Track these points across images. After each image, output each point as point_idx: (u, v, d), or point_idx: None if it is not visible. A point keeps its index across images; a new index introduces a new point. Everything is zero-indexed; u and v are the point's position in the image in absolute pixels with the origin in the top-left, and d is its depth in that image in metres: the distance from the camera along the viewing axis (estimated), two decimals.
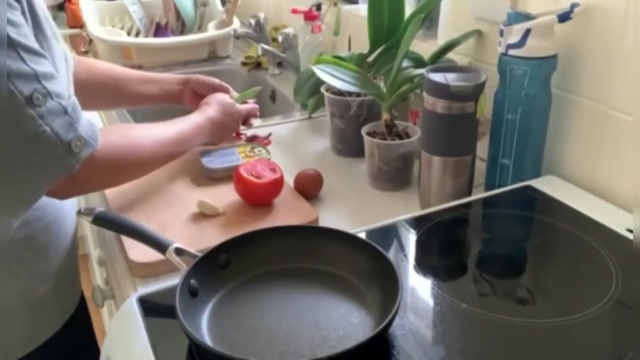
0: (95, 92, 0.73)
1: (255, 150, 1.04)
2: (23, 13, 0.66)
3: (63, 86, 0.69)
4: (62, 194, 0.75)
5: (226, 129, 1.05)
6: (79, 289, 0.92)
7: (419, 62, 1.03)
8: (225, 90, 1.10)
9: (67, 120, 0.67)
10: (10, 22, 0.62)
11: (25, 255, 0.77)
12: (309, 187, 0.94)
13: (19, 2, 0.65)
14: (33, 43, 0.66)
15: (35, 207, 0.73)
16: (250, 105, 1.13)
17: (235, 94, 1.12)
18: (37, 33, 0.68)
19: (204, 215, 0.85)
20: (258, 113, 1.16)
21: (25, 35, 0.64)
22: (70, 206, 0.85)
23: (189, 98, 1.10)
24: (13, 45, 0.62)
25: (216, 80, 1.11)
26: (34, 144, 0.65)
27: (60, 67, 0.71)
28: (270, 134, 1.18)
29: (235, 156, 1.01)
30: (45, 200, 0.73)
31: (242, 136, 1.15)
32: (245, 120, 1.12)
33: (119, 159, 0.78)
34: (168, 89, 1.10)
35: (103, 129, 0.76)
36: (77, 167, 0.69)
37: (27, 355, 0.79)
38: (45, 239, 0.79)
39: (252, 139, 1.15)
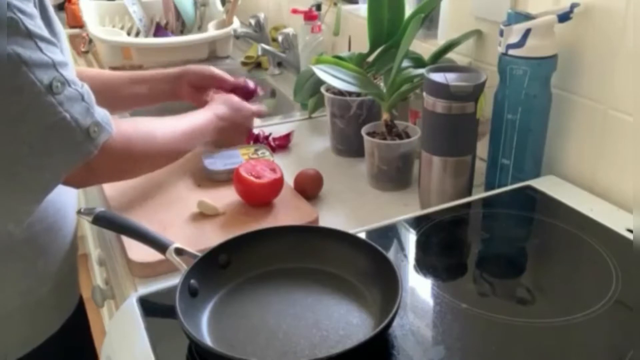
0: None
1: (259, 152, 1.03)
2: (34, 5, 0.67)
3: (74, 74, 0.70)
4: (79, 183, 0.76)
5: (237, 126, 1.03)
6: (78, 290, 0.92)
7: (419, 62, 1.03)
8: (223, 79, 1.09)
9: (84, 106, 0.69)
10: (25, 13, 0.64)
11: (26, 256, 0.77)
12: (309, 187, 0.94)
13: None
14: (46, 33, 0.67)
15: (37, 209, 0.73)
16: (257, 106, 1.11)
17: (232, 80, 1.10)
18: (46, 24, 0.69)
19: (204, 215, 0.85)
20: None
21: (39, 26, 0.66)
22: (71, 208, 0.85)
23: (187, 93, 1.07)
24: (30, 36, 0.64)
25: (214, 69, 1.09)
26: (55, 131, 0.66)
27: (67, 56, 0.73)
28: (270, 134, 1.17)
29: (238, 158, 1.00)
30: (47, 201, 0.73)
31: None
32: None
33: (133, 146, 0.78)
34: (159, 87, 1.06)
35: (114, 120, 0.76)
36: (95, 153, 0.70)
37: (25, 356, 0.79)
38: (46, 240, 0.79)
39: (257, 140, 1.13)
